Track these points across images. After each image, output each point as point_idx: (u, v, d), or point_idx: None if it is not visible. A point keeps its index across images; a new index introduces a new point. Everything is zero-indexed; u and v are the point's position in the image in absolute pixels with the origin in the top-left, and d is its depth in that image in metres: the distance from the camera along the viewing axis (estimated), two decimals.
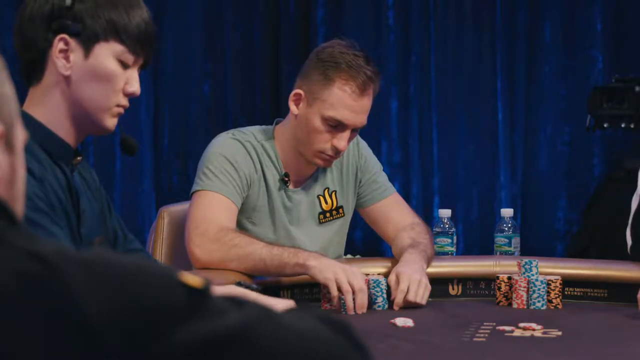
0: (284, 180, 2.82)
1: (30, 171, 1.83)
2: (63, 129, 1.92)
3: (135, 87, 1.94)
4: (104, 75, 1.90)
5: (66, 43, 1.89)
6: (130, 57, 1.92)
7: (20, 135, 1.08)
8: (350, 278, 2.49)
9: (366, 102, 2.74)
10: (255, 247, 2.59)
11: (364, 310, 2.51)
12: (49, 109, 1.91)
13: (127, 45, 1.91)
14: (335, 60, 2.71)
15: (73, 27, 1.88)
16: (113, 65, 1.91)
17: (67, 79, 1.90)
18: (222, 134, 2.84)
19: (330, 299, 2.53)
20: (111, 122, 1.95)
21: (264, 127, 2.88)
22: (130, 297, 0.97)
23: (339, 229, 2.93)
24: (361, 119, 2.74)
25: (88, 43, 1.89)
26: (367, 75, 2.71)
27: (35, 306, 0.94)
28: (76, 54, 1.90)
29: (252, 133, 2.84)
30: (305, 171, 2.86)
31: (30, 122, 1.90)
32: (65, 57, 1.90)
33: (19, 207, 1.08)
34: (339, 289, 2.50)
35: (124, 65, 1.92)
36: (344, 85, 2.70)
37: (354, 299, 2.50)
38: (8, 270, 0.96)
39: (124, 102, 1.94)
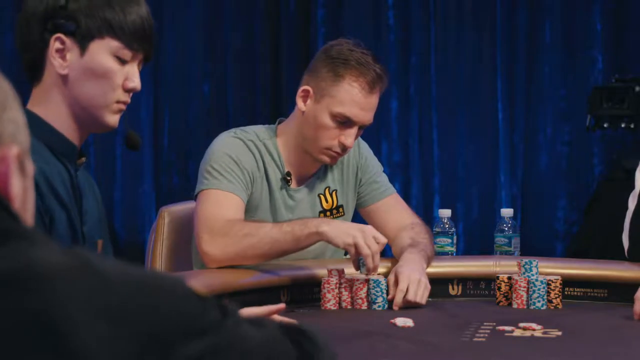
0: (286, 179, 2.82)
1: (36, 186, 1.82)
2: (66, 127, 1.92)
3: (135, 82, 1.93)
4: (101, 72, 1.90)
5: (62, 42, 1.89)
6: (127, 52, 1.91)
7: (31, 165, 1.10)
8: (368, 241, 2.52)
9: (374, 100, 2.75)
10: (265, 229, 2.59)
11: (377, 272, 2.57)
12: (51, 108, 1.92)
13: (123, 40, 1.90)
14: (345, 58, 2.72)
15: (68, 25, 1.88)
16: (109, 62, 1.90)
17: (65, 77, 1.91)
18: (223, 133, 2.84)
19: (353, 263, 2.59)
20: (112, 119, 1.94)
21: (266, 125, 2.88)
22: (142, 317, 0.99)
23: None
24: (369, 116, 2.75)
25: (83, 41, 1.89)
26: (376, 73, 2.73)
27: (17, 320, 0.95)
28: (72, 53, 1.90)
29: (254, 132, 2.84)
30: (308, 170, 2.86)
31: (34, 120, 1.90)
32: (61, 56, 1.90)
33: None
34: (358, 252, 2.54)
35: (122, 61, 1.91)
36: (353, 82, 2.71)
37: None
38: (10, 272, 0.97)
39: (124, 98, 1.93)
